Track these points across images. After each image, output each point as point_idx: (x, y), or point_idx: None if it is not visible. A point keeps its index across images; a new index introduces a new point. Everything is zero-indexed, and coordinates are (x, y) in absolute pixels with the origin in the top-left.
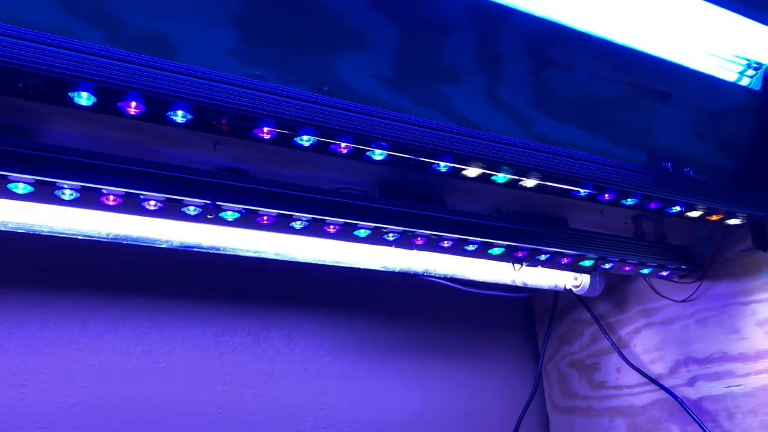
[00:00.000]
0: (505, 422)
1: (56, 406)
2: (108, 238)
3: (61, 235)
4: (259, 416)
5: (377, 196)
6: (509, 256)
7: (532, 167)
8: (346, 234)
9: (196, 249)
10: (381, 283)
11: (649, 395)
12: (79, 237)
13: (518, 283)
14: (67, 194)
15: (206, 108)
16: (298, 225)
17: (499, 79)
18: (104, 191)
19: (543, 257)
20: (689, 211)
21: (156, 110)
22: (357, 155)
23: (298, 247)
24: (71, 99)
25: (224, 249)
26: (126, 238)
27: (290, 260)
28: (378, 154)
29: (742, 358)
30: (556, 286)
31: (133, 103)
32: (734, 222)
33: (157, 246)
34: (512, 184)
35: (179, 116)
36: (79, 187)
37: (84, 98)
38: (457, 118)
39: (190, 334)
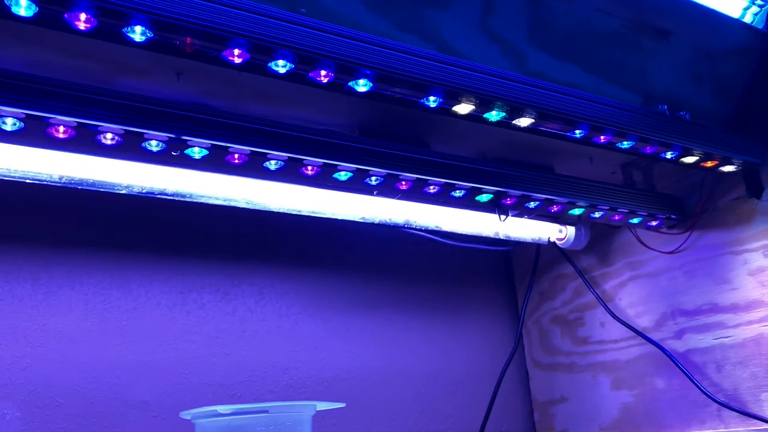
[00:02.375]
0: (485, 379)
1: (8, 368)
2: (61, 182)
3: (6, 178)
4: (230, 377)
5: (358, 136)
6: (496, 205)
7: (528, 104)
8: (325, 177)
9: (160, 196)
10: (358, 237)
11: (634, 349)
12: (27, 180)
13: (501, 235)
14: (9, 124)
15: (169, 23)
16: (272, 165)
17: (493, 8)
18: (53, 121)
19: (532, 204)
20: (684, 156)
21: (110, 26)
22: (338, 87)
23: (271, 194)
24: (8, 8)
25: (191, 196)
26: (81, 182)
27: (262, 209)
28: (362, 85)
29: (733, 308)
30: (539, 239)
31: (83, 16)
32: (728, 169)
33: (116, 192)
34: (505, 124)
35: (137, 34)
36: (23, 115)
37: (23, 7)
38: (445, 49)
39: (155, 290)
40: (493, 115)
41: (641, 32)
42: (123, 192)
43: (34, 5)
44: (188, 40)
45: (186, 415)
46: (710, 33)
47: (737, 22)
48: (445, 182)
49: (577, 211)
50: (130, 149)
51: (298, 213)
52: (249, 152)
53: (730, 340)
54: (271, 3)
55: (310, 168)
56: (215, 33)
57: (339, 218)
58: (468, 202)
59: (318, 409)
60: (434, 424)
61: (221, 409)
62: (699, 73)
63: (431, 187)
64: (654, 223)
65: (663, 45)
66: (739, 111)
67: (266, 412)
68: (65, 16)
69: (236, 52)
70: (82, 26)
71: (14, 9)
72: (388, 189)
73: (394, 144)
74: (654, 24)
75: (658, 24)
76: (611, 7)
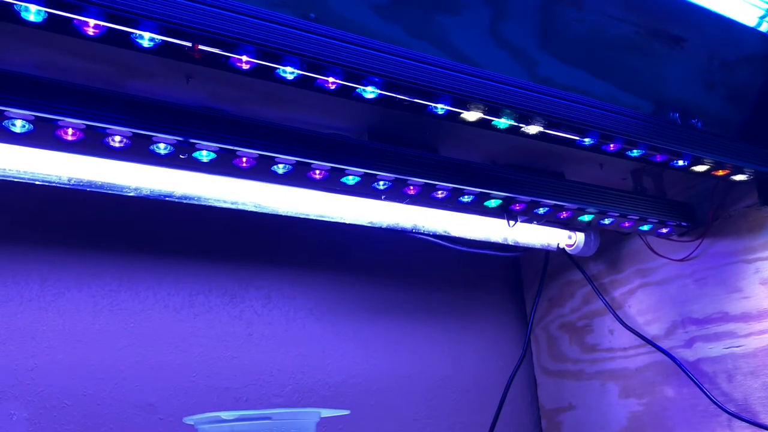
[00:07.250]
0: (493, 385)
1: (15, 369)
2: (69, 184)
3: (15, 180)
4: (236, 380)
5: (366, 141)
6: (505, 210)
7: (537, 112)
8: (332, 181)
9: (167, 198)
10: (366, 241)
11: (643, 358)
12: (37, 182)
13: (510, 241)
14: (18, 126)
15: (177, 30)
16: (280, 169)
17: (504, 14)
18: (62, 123)
19: (541, 210)
20: (695, 165)
21: (119, 31)
22: (346, 93)
23: (279, 197)
24: (18, 13)
25: (199, 199)
26: (90, 184)
27: (270, 213)
28: (369, 92)
29: (744, 317)
30: (548, 245)
31: (92, 21)
32: (740, 178)
33: (124, 194)
34: (513, 131)
35: (146, 39)
36: (33, 117)
37: (33, 12)
38: (455, 55)
39: (162, 293)
40: (502, 123)
41: (654, 39)
42: (131, 194)
43: (43, 11)
44: (196, 46)
45: (189, 420)
46: (725, 41)
47: (753, 31)
48: (454, 187)
49: (586, 218)
50: (138, 152)
51: (306, 217)
52: (257, 156)
53: (741, 350)
54: (282, 8)
55: (318, 172)
56: (223, 39)
57: (347, 222)
58: (476, 208)
59: (322, 416)
60: (441, 431)
61: (224, 415)
62: (712, 81)
63: (439, 191)
64: (664, 231)
65: (676, 52)
66: (752, 119)
67: (269, 418)
68: (74, 22)
69: (244, 58)
70: (90, 32)
71: (24, 15)
72: (396, 193)
73: (402, 148)
74: (667, 31)
75: (671, 31)
76: (624, 13)
